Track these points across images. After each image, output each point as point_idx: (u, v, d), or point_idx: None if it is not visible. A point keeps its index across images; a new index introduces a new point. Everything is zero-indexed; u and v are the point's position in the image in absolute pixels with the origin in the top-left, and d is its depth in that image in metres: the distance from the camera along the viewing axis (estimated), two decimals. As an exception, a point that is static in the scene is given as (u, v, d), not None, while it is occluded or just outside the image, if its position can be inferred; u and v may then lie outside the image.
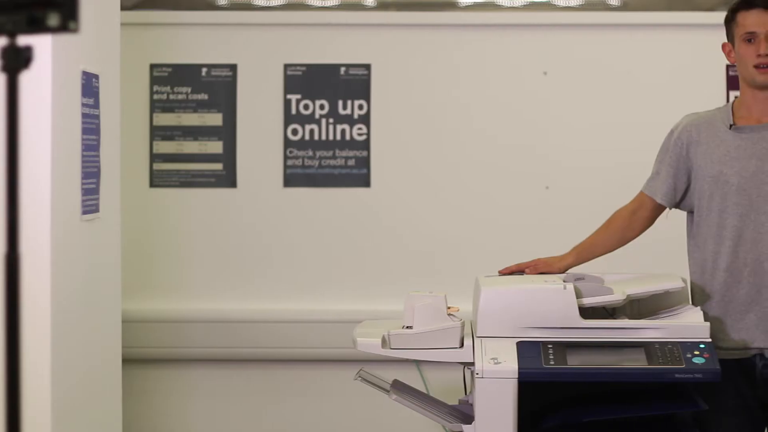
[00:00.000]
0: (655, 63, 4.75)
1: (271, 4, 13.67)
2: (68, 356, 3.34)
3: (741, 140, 3.51)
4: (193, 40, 4.75)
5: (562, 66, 4.75)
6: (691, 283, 3.59)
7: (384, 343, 3.39)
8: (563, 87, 4.75)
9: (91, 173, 3.40)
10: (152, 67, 4.76)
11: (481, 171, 4.76)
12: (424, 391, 4.58)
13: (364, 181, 4.76)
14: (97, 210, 3.48)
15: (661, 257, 4.15)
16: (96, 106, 3.44)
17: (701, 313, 3.41)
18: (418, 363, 4.56)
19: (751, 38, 3.47)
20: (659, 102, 4.69)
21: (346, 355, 3.80)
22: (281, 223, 4.76)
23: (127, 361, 4.67)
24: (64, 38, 3.19)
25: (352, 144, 4.76)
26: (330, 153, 4.76)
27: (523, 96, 4.75)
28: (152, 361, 4.75)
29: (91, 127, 3.39)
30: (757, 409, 3.51)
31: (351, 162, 4.76)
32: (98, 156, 3.45)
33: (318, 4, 13.02)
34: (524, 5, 12.95)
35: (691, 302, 3.56)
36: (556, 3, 12.96)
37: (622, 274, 3.67)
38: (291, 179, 4.76)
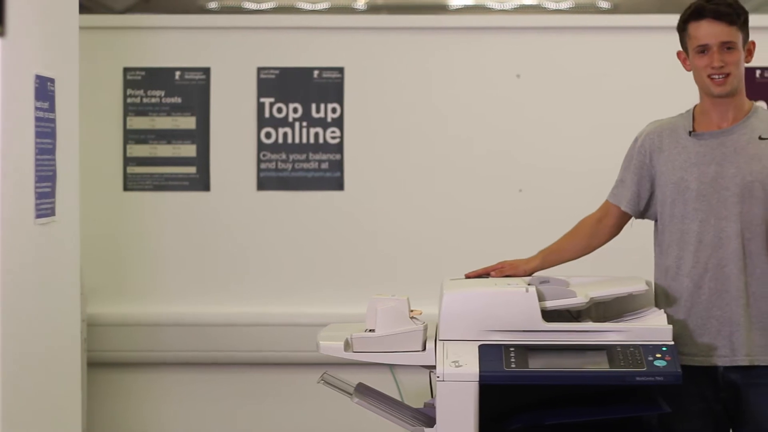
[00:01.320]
0: (629, 66, 4.75)
1: (261, 8, 13.62)
2: (20, 360, 3.32)
3: (701, 146, 3.51)
4: (167, 44, 4.76)
5: (535, 69, 4.75)
6: (656, 286, 3.60)
7: (347, 346, 3.38)
8: (537, 90, 4.75)
9: (45, 177, 3.39)
10: (126, 70, 4.77)
11: (455, 174, 4.76)
12: (397, 394, 4.58)
13: (338, 185, 4.76)
14: (53, 213, 3.46)
15: (635, 263, 4.13)
16: (51, 109, 3.43)
17: (665, 316, 3.40)
18: (391, 366, 4.55)
19: (704, 50, 3.48)
20: (633, 105, 4.69)
21: (321, 359, 3.79)
22: (254, 227, 4.77)
23: (102, 364, 4.71)
24: (16, 42, 3.19)
25: (326, 147, 4.76)
26: (303, 156, 4.76)
27: (496, 99, 4.75)
28: (126, 365, 4.77)
29: (45, 131, 3.38)
30: (721, 412, 3.51)
31: (324, 165, 4.76)
32: (54, 159, 3.44)
33: (308, 7, 13.00)
34: (515, 8, 12.91)
35: (655, 306, 3.56)
36: (546, 6, 12.91)
37: (588, 277, 3.66)
38: (264, 182, 4.76)
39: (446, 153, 4.75)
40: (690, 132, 3.54)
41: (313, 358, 4.43)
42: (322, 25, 4.80)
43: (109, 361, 4.74)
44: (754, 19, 4.81)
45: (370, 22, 4.86)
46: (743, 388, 3.47)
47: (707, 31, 3.45)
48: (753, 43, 3.56)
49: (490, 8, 12.18)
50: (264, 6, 12.48)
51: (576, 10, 12.33)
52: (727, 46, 3.46)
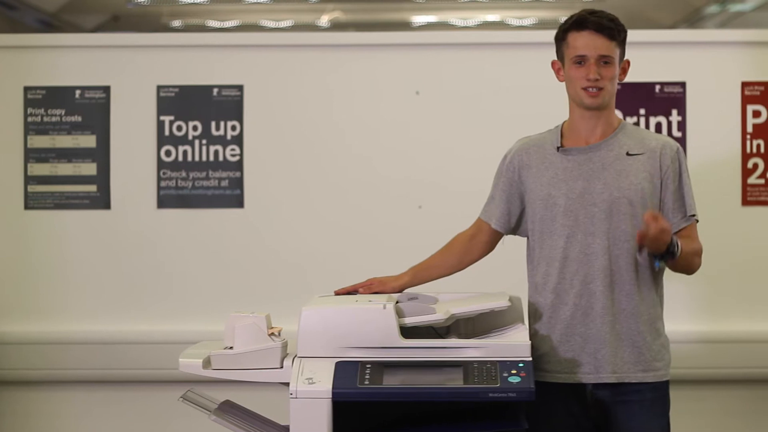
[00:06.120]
0: (532, 82, 4.74)
1: (225, 26, 13.54)
2: None
3: (568, 162, 3.51)
4: (67, 63, 4.76)
5: (434, 86, 4.75)
6: (529, 303, 3.59)
7: (206, 363, 3.38)
8: (436, 106, 4.75)
9: None
10: (26, 89, 4.78)
11: (355, 190, 4.76)
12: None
13: (238, 202, 4.77)
14: None
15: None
16: None
17: (527, 332, 3.39)
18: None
19: (581, 60, 3.47)
20: (535, 122, 4.65)
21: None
22: (155, 245, 4.77)
23: (9, 382, 4.71)
24: None
25: (225, 165, 4.76)
26: (203, 174, 4.76)
27: (396, 115, 4.75)
28: (31, 383, 4.77)
29: None
30: (590, 429, 3.50)
31: (224, 183, 4.76)
32: None
33: (271, 25, 12.92)
34: (477, 25, 12.88)
35: (526, 322, 3.55)
36: (509, 23, 12.86)
37: (459, 293, 3.65)
38: (164, 200, 4.76)
39: (346, 169, 4.76)
40: (558, 147, 3.54)
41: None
42: (221, 43, 4.81)
43: (16, 380, 4.74)
44: (653, 34, 4.86)
45: (270, 40, 4.87)
46: (611, 406, 3.47)
47: (587, 42, 3.45)
48: (628, 62, 3.56)
49: (453, 25, 12.20)
50: (227, 24, 12.49)
51: (539, 26, 12.31)
52: (605, 60, 3.46)
